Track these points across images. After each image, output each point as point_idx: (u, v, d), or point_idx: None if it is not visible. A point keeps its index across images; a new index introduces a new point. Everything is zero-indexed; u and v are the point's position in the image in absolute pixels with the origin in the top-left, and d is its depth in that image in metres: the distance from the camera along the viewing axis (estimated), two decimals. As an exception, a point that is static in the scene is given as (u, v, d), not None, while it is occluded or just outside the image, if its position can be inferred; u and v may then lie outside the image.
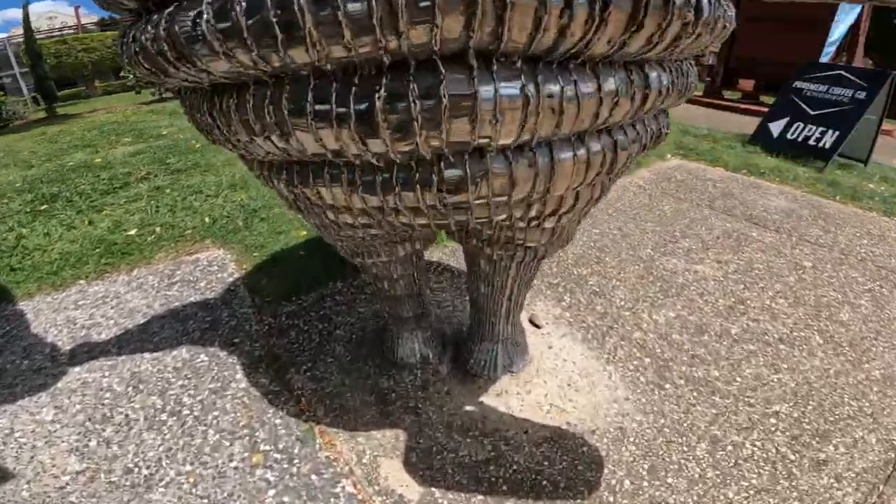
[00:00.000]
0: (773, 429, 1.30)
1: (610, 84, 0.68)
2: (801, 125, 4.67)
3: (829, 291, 1.96)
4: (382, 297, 1.37)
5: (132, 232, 2.47)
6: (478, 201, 0.74)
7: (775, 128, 4.82)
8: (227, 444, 1.24)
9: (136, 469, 1.20)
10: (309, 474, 1.17)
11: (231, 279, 1.96)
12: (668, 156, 4.05)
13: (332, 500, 1.11)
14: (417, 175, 0.70)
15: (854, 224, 2.64)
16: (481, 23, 0.53)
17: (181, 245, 2.30)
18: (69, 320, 1.80)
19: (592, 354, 1.54)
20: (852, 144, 4.26)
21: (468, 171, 0.69)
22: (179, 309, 1.79)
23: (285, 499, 1.11)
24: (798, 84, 4.92)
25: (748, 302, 1.89)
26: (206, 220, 2.51)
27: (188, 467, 1.19)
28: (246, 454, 1.22)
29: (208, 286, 1.92)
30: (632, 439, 1.25)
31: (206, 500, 1.11)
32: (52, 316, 1.85)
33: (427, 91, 0.58)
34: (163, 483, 1.16)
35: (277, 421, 1.30)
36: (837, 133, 4.23)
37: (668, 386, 1.43)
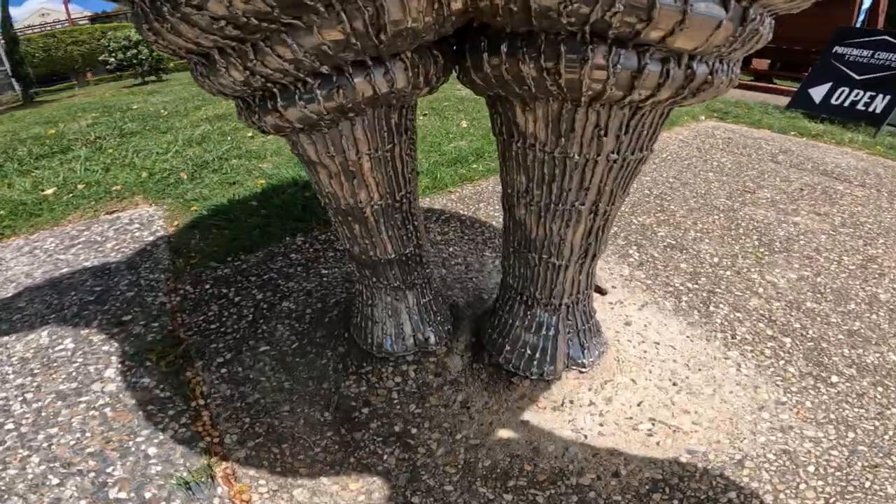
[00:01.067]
0: None
1: None
2: (847, 90, 4.47)
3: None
4: (356, 244, 0.81)
5: (49, 192, 1.92)
6: None
7: (817, 93, 4.55)
8: (56, 483, 0.68)
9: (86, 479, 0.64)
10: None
11: (152, 238, 1.40)
12: (702, 117, 3.64)
13: None
14: None
15: None
16: None
17: (103, 203, 1.75)
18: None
19: (698, 333, 0.96)
20: (901, 113, 3.93)
21: None
22: (65, 276, 1.23)
23: None
24: (839, 49, 4.67)
25: (880, 260, 1.32)
26: (144, 175, 1.96)
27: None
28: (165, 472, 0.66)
29: (117, 247, 1.36)
30: (812, 470, 0.68)
31: None
32: None
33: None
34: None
35: (152, 450, 0.73)
36: (889, 97, 4.00)
37: (835, 379, 0.86)
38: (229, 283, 1.14)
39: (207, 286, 1.13)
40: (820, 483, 0.67)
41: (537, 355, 0.81)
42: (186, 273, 1.19)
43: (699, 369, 0.86)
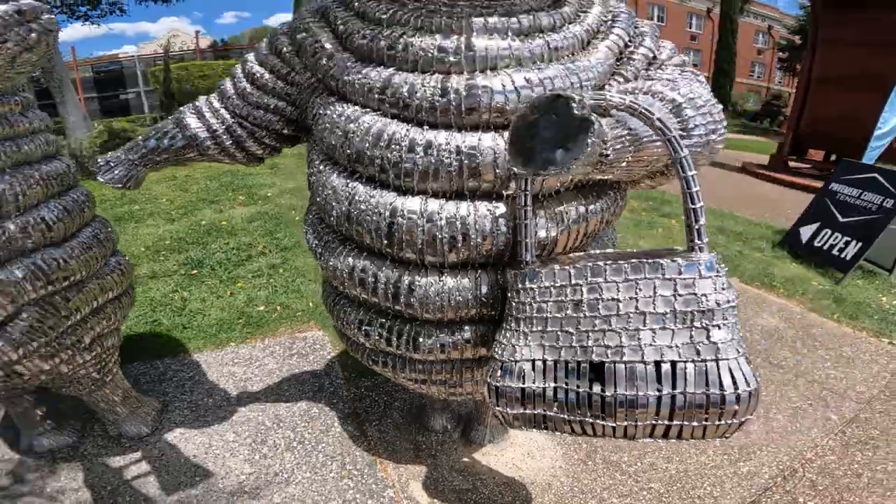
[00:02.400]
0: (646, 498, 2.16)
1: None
2: (829, 232, 4.57)
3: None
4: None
5: (261, 308, 3.63)
6: None
7: (805, 232, 4.79)
8: (329, 463, 2.26)
9: (281, 473, 2.23)
10: (370, 485, 2.15)
11: (329, 357, 3.03)
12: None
13: (381, 499, 2.09)
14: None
15: (831, 346, 3.26)
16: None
17: (294, 324, 3.42)
18: (231, 373, 2.92)
19: (550, 437, 2.45)
20: (879, 251, 4.23)
21: None
22: (298, 374, 2.87)
23: (357, 496, 2.10)
24: (834, 186, 4.80)
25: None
26: (311, 304, 3.64)
27: (308, 475, 2.21)
28: (339, 470, 2.23)
29: (315, 360, 3.00)
30: (553, 492, 2.15)
31: (315, 493, 2.12)
32: (218, 368, 2.97)
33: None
34: (294, 482, 2.18)
35: (357, 453, 2.31)
36: (860, 245, 4.17)
37: (590, 463, 2.31)
38: (371, 390, 2.72)
39: (362, 390, 2.72)
40: (552, 496, 2.14)
41: (480, 437, 2.34)
42: (351, 381, 2.79)
43: (540, 449, 2.34)
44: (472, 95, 1.14)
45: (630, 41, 1.43)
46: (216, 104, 1.66)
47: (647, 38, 1.44)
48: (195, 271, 4.32)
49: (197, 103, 1.69)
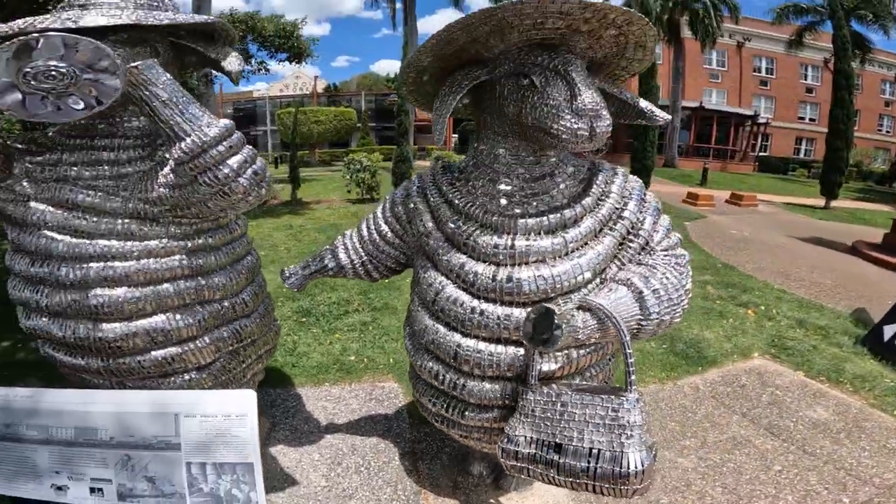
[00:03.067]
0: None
1: None
2: None
3: (768, 488, 2.94)
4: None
5: (352, 358, 4.45)
6: None
7: (889, 331, 4.54)
8: (385, 487, 2.88)
9: (347, 490, 2.89)
10: (418, 512, 2.75)
11: (400, 404, 3.72)
12: (755, 354, 4.51)
13: (425, 525, 2.67)
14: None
15: (878, 438, 3.21)
16: None
17: (376, 374, 4.18)
18: (323, 407, 3.70)
19: (567, 493, 2.90)
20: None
21: None
22: (374, 415, 3.58)
23: (407, 519, 2.70)
24: None
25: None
26: (391, 360, 4.40)
27: (367, 494, 2.84)
28: (391, 494, 2.84)
29: (388, 406, 3.71)
30: None
31: (377, 509, 2.75)
32: (314, 402, 3.77)
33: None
34: (356, 497, 2.81)
35: (408, 483, 2.91)
36: None
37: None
38: (428, 435, 3.34)
39: (422, 434, 3.36)
40: (565, 545, 2.59)
41: (508, 484, 2.85)
42: (414, 427, 3.45)
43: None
44: (509, 286, 1.78)
45: (633, 225, 1.87)
46: (357, 244, 2.40)
47: (648, 219, 1.88)
48: (304, 319, 5.31)
49: (344, 241, 2.45)
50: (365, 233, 2.37)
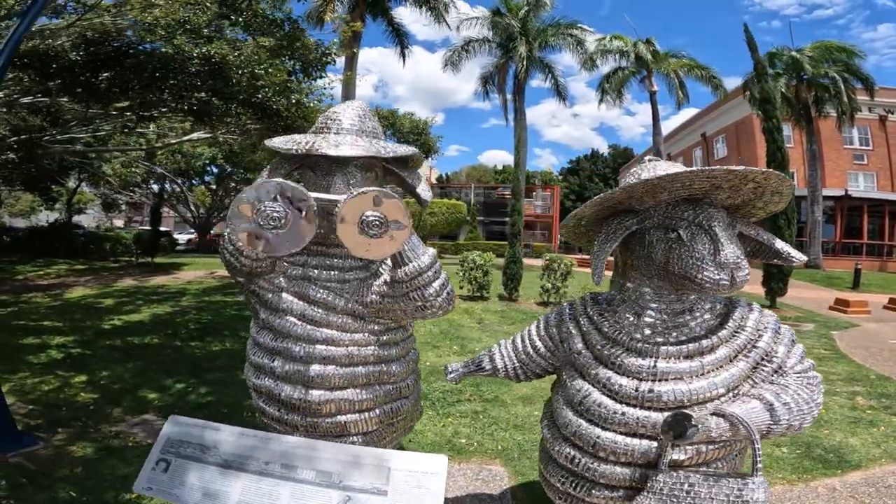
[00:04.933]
0: None
1: None
2: None
3: None
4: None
5: (463, 440, 4.89)
6: None
7: None
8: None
9: None
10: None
11: (504, 486, 4.05)
12: None
13: None
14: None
15: None
16: None
17: (484, 458, 4.56)
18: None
19: None
20: None
21: None
22: (479, 494, 3.95)
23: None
24: None
25: None
26: (499, 447, 4.78)
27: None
28: None
29: (493, 486, 4.05)
30: None
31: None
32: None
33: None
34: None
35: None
36: None
37: None
38: (529, 518, 3.64)
39: (523, 516, 3.67)
40: None
41: None
42: (517, 508, 3.76)
43: None
44: (650, 396, 1.99)
45: (766, 353, 2.01)
46: (511, 353, 2.81)
47: (782, 348, 2.01)
48: (426, 403, 5.91)
49: (500, 349, 2.86)
50: (520, 345, 2.78)
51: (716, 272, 1.82)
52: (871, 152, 34.88)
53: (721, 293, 1.93)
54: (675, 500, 1.85)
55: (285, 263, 2.44)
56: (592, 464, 2.16)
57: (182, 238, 37.49)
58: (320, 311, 2.38)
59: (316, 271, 2.43)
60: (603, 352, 2.21)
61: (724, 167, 1.78)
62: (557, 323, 2.53)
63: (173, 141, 12.51)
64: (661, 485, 1.91)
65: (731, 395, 1.99)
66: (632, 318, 2.20)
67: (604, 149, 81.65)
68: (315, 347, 2.38)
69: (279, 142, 2.35)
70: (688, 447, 1.97)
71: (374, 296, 2.38)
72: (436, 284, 2.27)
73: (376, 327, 2.49)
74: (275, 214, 1.92)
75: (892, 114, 34.30)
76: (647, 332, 2.14)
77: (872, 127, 34.58)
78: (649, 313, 2.15)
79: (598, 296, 2.52)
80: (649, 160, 2.25)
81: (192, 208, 32.65)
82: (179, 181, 29.87)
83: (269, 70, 7.06)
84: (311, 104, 9.50)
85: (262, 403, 2.60)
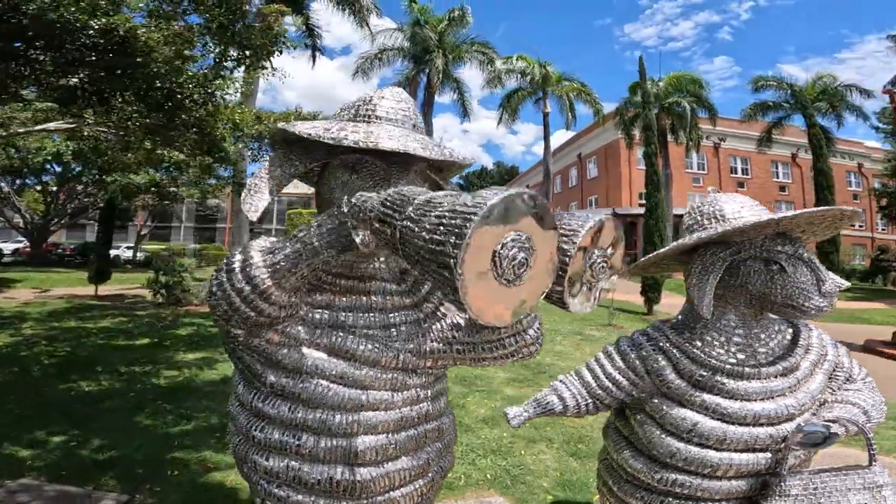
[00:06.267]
0: None
1: None
2: None
3: None
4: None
5: (449, 476, 4.49)
6: None
7: None
8: None
9: None
10: None
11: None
12: None
13: None
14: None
15: None
16: None
17: (478, 490, 4.17)
18: (439, 528, 3.70)
19: None
20: None
21: None
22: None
23: None
24: None
25: None
26: (486, 475, 4.43)
27: None
28: None
29: (504, 523, 3.73)
30: None
31: None
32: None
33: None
34: None
35: None
36: None
37: None
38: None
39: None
40: None
41: None
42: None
43: None
44: (763, 415, 2.12)
45: (836, 365, 2.27)
46: (582, 390, 2.54)
47: (845, 359, 2.29)
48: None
49: (568, 388, 2.56)
50: (591, 381, 2.56)
51: (821, 301, 2.02)
52: (706, 175, 41.56)
53: (819, 318, 2.11)
54: (811, 498, 2.00)
55: (304, 306, 1.86)
56: (709, 483, 2.20)
57: (7, 248, 31.39)
58: (365, 369, 1.83)
59: (350, 315, 1.87)
60: (703, 379, 2.24)
61: (837, 208, 2.03)
62: (640, 355, 2.44)
63: (21, 130, 10.16)
64: (789, 488, 2.05)
65: (815, 406, 2.21)
66: (719, 344, 2.30)
67: (490, 165, 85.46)
68: (361, 415, 1.81)
69: (311, 128, 1.72)
70: (798, 452, 2.17)
71: (436, 343, 1.90)
72: (536, 325, 1.90)
73: (429, 378, 2.00)
74: (520, 256, 1.16)
75: (724, 141, 41.07)
76: (741, 356, 2.26)
77: (708, 153, 41.20)
78: (736, 339, 2.29)
79: (675, 323, 2.51)
80: (712, 190, 2.37)
81: (23, 213, 27.42)
82: (7, 179, 24.87)
83: (199, 54, 5.89)
84: (225, 98, 8.25)
85: (279, 490, 1.94)
